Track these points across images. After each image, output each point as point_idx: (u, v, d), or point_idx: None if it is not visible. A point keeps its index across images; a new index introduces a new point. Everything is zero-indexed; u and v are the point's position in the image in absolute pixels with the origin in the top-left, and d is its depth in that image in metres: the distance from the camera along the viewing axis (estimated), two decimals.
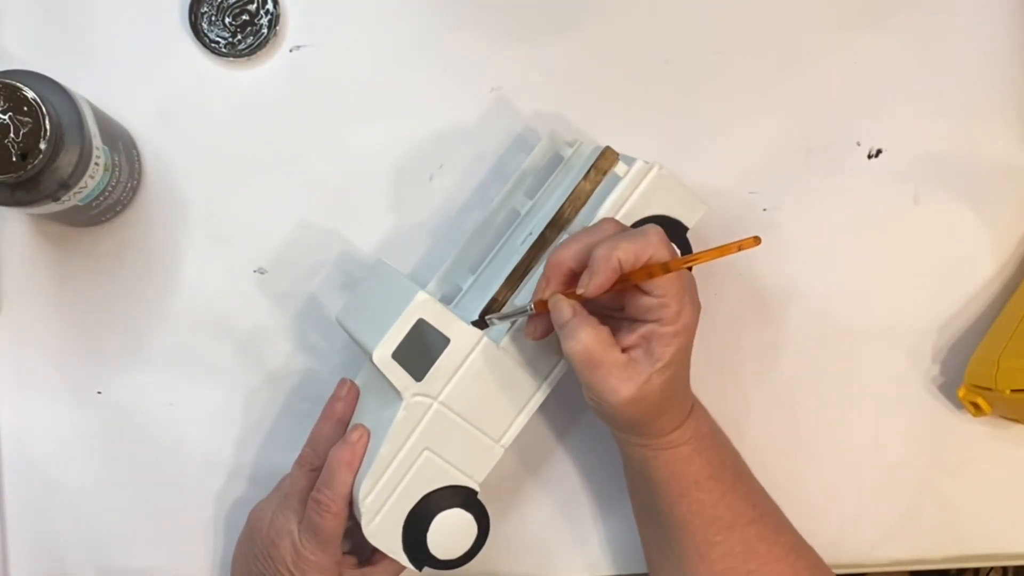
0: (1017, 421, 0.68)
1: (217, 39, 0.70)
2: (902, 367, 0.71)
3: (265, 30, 0.70)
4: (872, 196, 0.71)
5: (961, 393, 0.68)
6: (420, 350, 0.60)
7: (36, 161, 0.56)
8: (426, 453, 0.61)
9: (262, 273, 0.70)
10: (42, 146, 0.56)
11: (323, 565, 0.61)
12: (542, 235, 0.62)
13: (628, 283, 0.56)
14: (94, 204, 0.64)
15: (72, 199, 0.61)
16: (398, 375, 0.60)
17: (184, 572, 0.71)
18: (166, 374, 0.70)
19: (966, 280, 0.71)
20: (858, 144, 0.71)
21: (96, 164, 0.61)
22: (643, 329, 0.56)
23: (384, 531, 0.61)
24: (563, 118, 0.70)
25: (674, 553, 0.62)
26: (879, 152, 0.71)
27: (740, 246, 0.52)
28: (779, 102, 0.71)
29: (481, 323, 0.61)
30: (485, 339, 0.61)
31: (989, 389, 0.65)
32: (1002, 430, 0.71)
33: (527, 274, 0.62)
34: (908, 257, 0.71)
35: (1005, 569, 0.96)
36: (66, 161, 0.58)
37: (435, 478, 0.61)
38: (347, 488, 0.61)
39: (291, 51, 0.70)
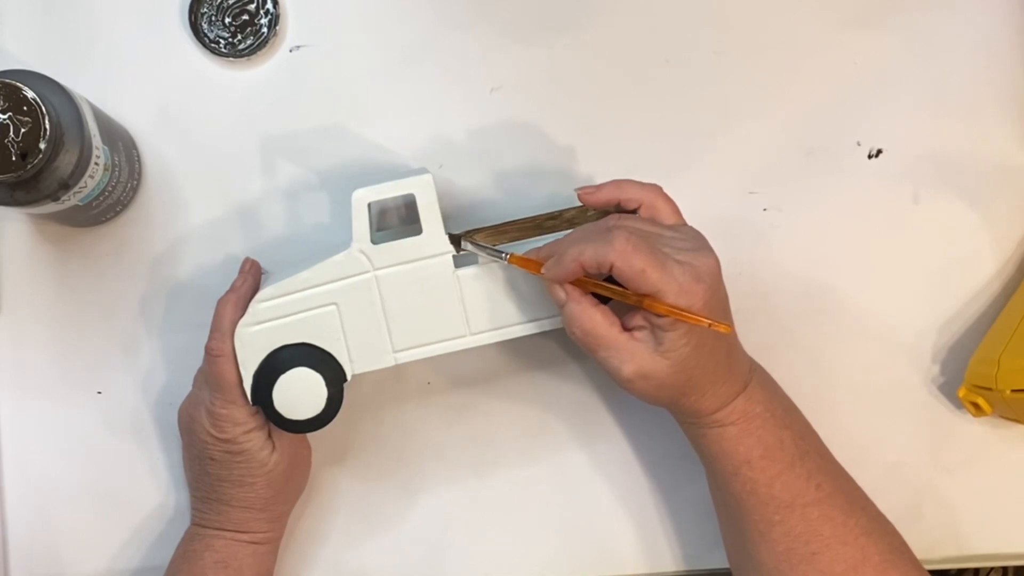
0: (1017, 421, 0.68)
1: (217, 39, 0.70)
2: (902, 367, 0.71)
3: (265, 30, 0.70)
4: (872, 196, 0.71)
5: (961, 393, 0.68)
6: (398, 234, 0.62)
7: (36, 161, 0.56)
8: (332, 308, 0.61)
9: (262, 273, 0.70)
10: (42, 146, 0.56)
11: (237, 417, 0.62)
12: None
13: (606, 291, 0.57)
14: (94, 204, 0.64)
15: (72, 199, 0.61)
16: (361, 223, 0.60)
17: None
18: (166, 374, 0.70)
19: (966, 280, 0.71)
20: (858, 144, 0.71)
21: (96, 164, 0.61)
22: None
23: (252, 344, 0.61)
24: (563, 118, 0.70)
25: (739, 529, 0.62)
26: (879, 152, 0.71)
27: (711, 325, 0.55)
28: (779, 102, 0.71)
29: (455, 240, 0.62)
30: (449, 256, 0.61)
31: (989, 389, 0.65)
32: (1002, 430, 0.71)
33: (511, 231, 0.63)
34: (908, 257, 0.71)
35: (1005, 569, 0.96)
36: (66, 161, 0.58)
37: (323, 336, 0.61)
38: (233, 325, 0.61)
39: (291, 51, 0.71)
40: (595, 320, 0.57)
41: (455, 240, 0.62)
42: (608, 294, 0.57)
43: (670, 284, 0.55)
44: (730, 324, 0.57)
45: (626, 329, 0.58)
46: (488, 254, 0.61)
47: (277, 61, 0.70)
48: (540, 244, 0.63)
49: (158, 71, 0.70)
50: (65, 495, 0.70)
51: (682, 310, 0.55)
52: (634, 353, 0.57)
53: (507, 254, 0.60)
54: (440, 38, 0.71)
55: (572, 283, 0.58)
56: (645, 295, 0.55)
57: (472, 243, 0.61)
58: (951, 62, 0.71)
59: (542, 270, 0.59)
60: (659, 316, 0.56)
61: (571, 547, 0.71)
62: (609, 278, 0.57)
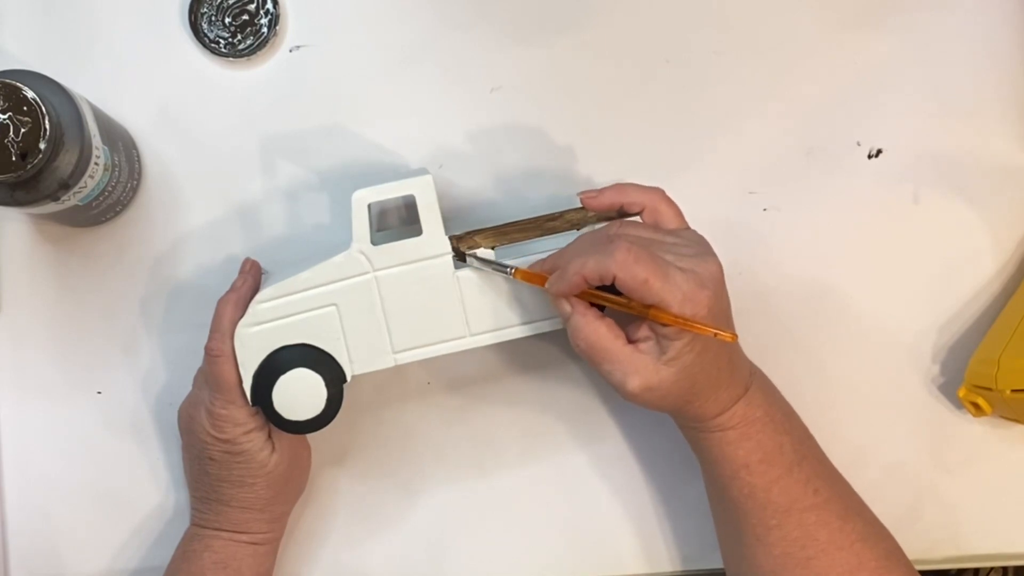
0: (1017, 421, 0.68)
1: (217, 39, 0.70)
2: (902, 367, 0.71)
3: (265, 30, 0.70)
4: (872, 196, 0.71)
5: (961, 393, 0.68)
6: (398, 234, 0.62)
7: (36, 161, 0.56)
8: (332, 308, 0.61)
9: (263, 274, 0.70)
10: (42, 146, 0.56)
11: (237, 418, 0.62)
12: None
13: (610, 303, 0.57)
14: (94, 204, 0.64)
15: (72, 199, 0.61)
16: (361, 224, 0.60)
17: None
18: (166, 374, 0.70)
19: (966, 280, 0.71)
20: (858, 144, 0.71)
21: (96, 164, 0.61)
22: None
23: (251, 344, 0.61)
24: (563, 118, 0.70)
25: (736, 533, 0.62)
26: (879, 152, 0.71)
27: (716, 334, 0.55)
28: (779, 102, 0.71)
29: (459, 255, 0.62)
30: (449, 257, 0.61)
31: (989, 389, 0.65)
32: (1002, 430, 0.71)
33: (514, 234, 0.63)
34: (908, 257, 0.71)
35: (1005, 569, 0.96)
36: (66, 161, 0.58)
37: (323, 337, 0.61)
38: (233, 326, 0.61)
39: (291, 51, 0.71)
40: (599, 333, 0.57)
41: (459, 254, 0.62)
42: (612, 305, 0.57)
43: (673, 293, 0.55)
44: (733, 331, 0.57)
45: (630, 341, 0.57)
46: (493, 269, 0.61)
47: (277, 61, 0.70)
48: (541, 245, 0.63)
49: (158, 71, 0.70)
50: (65, 495, 0.70)
51: (687, 319, 0.55)
52: (638, 366, 0.57)
53: (512, 268, 0.60)
54: (440, 38, 0.71)
55: (576, 295, 0.58)
56: (649, 305, 0.55)
57: (477, 258, 0.61)
58: (951, 62, 0.71)
59: (546, 284, 0.58)
60: (664, 325, 0.56)
61: (571, 547, 0.71)
62: (613, 288, 0.57)
